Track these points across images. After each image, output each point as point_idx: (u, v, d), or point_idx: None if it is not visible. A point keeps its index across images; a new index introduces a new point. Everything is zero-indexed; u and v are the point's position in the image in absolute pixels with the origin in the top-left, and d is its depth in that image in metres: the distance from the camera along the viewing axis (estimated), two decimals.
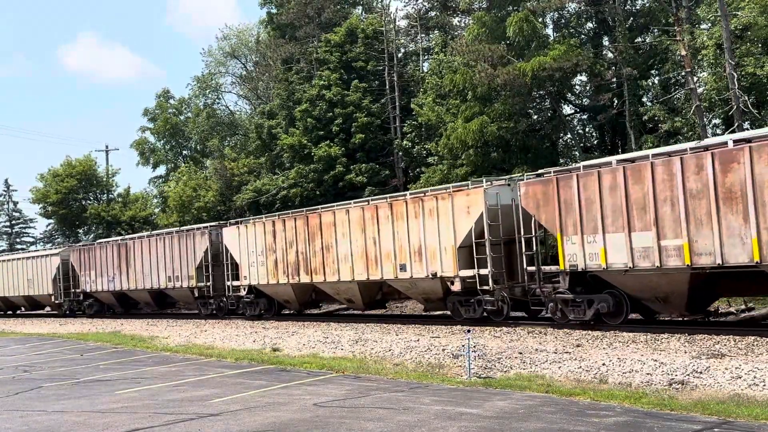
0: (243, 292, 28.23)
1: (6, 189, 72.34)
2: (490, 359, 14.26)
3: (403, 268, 21.76)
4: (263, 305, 27.92)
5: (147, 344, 22.82)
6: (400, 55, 40.56)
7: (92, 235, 56.28)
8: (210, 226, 31.05)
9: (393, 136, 37.83)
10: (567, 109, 33.57)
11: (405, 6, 41.22)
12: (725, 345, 14.08)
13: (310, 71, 41.20)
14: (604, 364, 12.80)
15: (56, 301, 39.36)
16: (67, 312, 39.30)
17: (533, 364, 13.65)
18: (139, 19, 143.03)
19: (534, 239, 19.15)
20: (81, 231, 58.92)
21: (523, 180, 19.33)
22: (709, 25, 25.18)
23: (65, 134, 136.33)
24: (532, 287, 19.17)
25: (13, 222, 72.41)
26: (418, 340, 17.40)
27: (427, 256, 21.04)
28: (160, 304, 35.01)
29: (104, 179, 59.71)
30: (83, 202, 58.01)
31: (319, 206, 26.30)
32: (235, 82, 57.34)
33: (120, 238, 37.58)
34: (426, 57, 41.10)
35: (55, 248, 42.83)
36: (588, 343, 15.60)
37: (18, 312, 47.35)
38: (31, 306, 43.81)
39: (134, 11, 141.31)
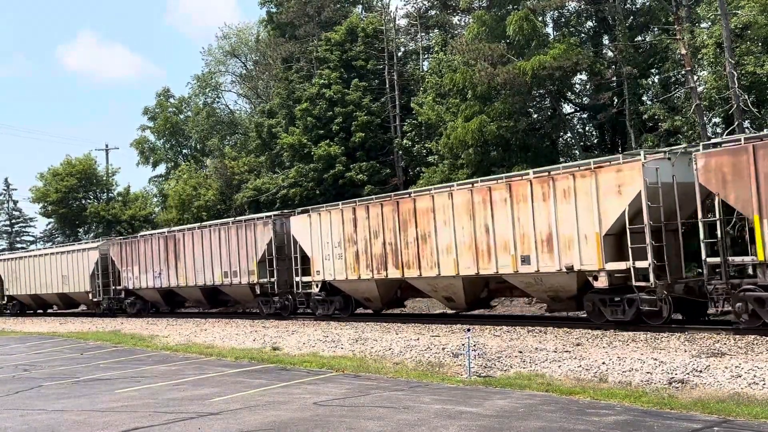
0: (315, 289, 25.10)
1: (6, 188, 72.33)
2: (490, 358, 14.26)
3: (525, 260, 18.57)
4: (338, 303, 24.84)
5: (147, 343, 22.83)
6: (400, 54, 40.59)
7: (92, 234, 56.30)
8: (274, 215, 27.86)
9: (393, 135, 37.85)
10: (567, 108, 33.59)
11: (405, 5, 41.27)
12: (725, 344, 14.09)
13: (310, 70, 41.21)
14: (604, 363, 12.81)
15: (94, 299, 36.33)
16: (106, 311, 36.34)
17: (533, 363, 13.65)
18: (139, 19, 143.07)
19: (718, 223, 15.52)
20: (81, 230, 58.96)
21: (699, 150, 15.88)
22: (709, 23, 25.17)
23: (65, 133, 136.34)
24: (713, 283, 15.57)
25: (13, 221, 72.42)
26: (418, 339, 17.41)
27: (559, 246, 17.82)
28: (213, 302, 32.09)
29: (104, 178, 59.75)
30: (83, 202, 58.04)
31: (411, 189, 23.19)
32: (235, 81, 57.43)
33: (167, 229, 34.27)
34: (426, 56, 41.13)
35: (94, 241, 39.55)
36: (588, 342, 15.61)
37: (49, 311, 44.38)
38: (66, 305, 40.87)
39: (134, 11, 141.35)
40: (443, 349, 15.74)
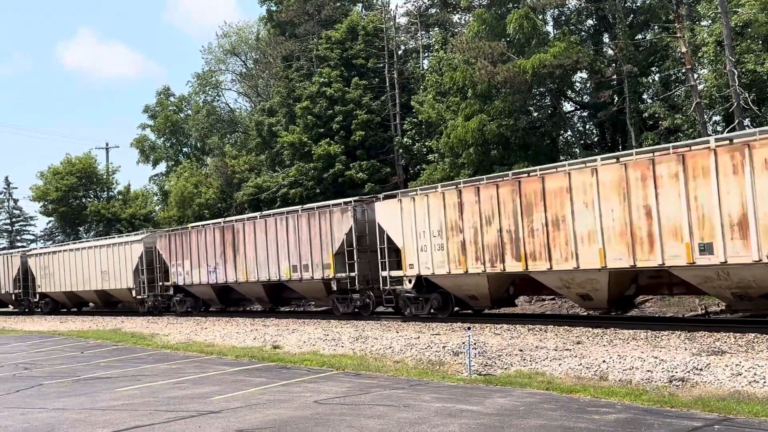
0: (407, 285, 21.75)
1: (6, 186, 72.40)
2: (490, 356, 14.26)
3: (706, 249, 15.18)
4: (436, 302, 21.54)
5: (147, 342, 22.83)
6: (400, 52, 40.60)
7: (92, 233, 56.35)
8: (354, 200, 24.53)
9: (393, 133, 37.86)
10: (567, 107, 33.62)
11: (405, 3, 41.36)
12: (725, 342, 14.09)
13: (310, 68, 41.22)
14: (604, 361, 12.81)
15: (137, 297, 33.23)
16: (151, 309, 33.24)
17: (534, 362, 13.66)
18: (139, 17, 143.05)
19: None
20: (81, 229, 59.02)
21: None
22: (710, 22, 25.18)
23: (65, 132, 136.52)
24: None
25: (14, 220, 72.49)
26: (418, 338, 17.40)
27: (758, 232, 14.36)
28: (276, 299, 28.97)
29: (104, 177, 59.81)
30: (83, 200, 58.08)
31: (537, 167, 19.89)
32: (235, 79, 57.50)
33: (223, 219, 31.01)
34: (426, 54, 41.16)
35: (137, 233, 36.23)
36: (588, 341, 15.60)
37: (84, 309, 40.77)
38: (104, 303, 37.47)
39: (133, 9, 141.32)
40: (444, 347, 15.74)
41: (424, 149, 35.32)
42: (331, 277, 24.28)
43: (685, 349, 13.54)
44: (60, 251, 38.84)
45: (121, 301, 36.45)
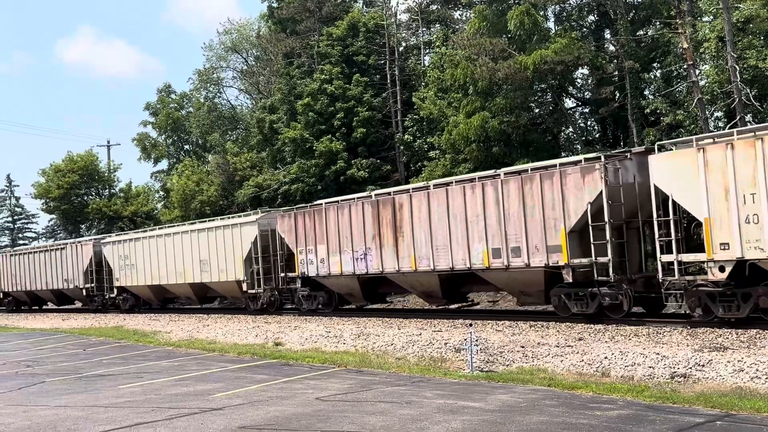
0: (716, 275, 15.21)
1: (8, 184, 72.51)
2: (492, 353, 14.27)
3: None
4: (765, 299, 14.78)
5: (150, 339, 22.87)
6: (401, 49, 40.57)
7: (94, 231, 56.41)
8: (605, 155, 17.90)
9: (394, 130, 37.85)
10: (569, 103, 33.56)
11: (406, 0, 41.32)
12: (727, 338, 14.08)
13: (311, 65, 41.20)
14: (606, 358, 12.81)
15: (249, 291, 27.80)
16: (266, 306, 27.50)
17: (535, 358, 13.66)
18: (138, 15, 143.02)
19: None
20: (83, 226, 59.13)
21: None
22: (711, 17, 25.12)
23: (66, 129, 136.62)
24: None
25: (15, 217, 72.59)
26: (420, 334, 17.41)
27: None
28: (450, 294, 22.34)
29: (106, 174, 59.87)
30: (85, 198, 58.14)
31: None
32: (236, 76, 57.52)
33: (374, 192, 24.36)
34: (427, 51, 41.16)
35: (247, 214, 30.04)
36: (590, 337, 15.60)
37: (169, 306, 35.24)
38: (200, 299, 31.80)
39: (133, 6, 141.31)
40: (445, 344, 15.75)
41: (426, 146, 35.31)
42: (561, 263, 17.98)
43: (687, 346, 13.53)
44: (145, 237, 33.48)
45: (221, 296, 31.89)
